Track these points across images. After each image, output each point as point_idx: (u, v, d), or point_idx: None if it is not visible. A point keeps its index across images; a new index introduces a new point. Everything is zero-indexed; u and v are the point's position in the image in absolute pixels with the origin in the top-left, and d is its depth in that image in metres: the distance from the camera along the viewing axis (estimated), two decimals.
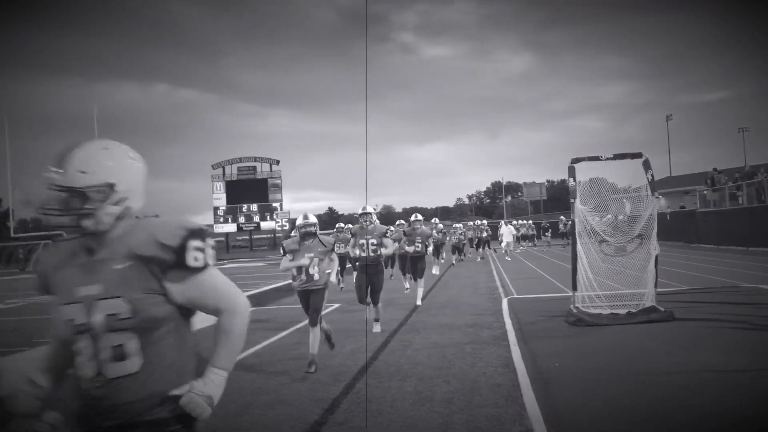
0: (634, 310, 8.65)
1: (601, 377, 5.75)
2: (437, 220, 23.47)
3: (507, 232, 26.78)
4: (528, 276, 17.31)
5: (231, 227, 50.12)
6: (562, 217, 35.73)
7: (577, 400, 5.06)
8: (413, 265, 12.26)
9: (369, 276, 8.85)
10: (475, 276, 18.39)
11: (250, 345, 8.01)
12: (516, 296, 12.32)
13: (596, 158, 9.07)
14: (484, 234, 27.50)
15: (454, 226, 26.05)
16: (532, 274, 18.10)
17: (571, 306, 8.98)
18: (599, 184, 9.51)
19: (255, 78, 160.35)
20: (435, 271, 19.09)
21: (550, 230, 35.93)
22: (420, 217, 12.71)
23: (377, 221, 9.67)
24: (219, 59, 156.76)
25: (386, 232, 9.06)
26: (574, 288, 9.04)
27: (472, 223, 30.26)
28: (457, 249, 24.81)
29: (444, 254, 22.63)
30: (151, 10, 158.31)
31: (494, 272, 19.18)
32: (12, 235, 50.82)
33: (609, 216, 9.52)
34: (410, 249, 12.16)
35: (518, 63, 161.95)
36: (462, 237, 25.16)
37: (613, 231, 9.22)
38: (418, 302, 11.60)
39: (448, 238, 24.27)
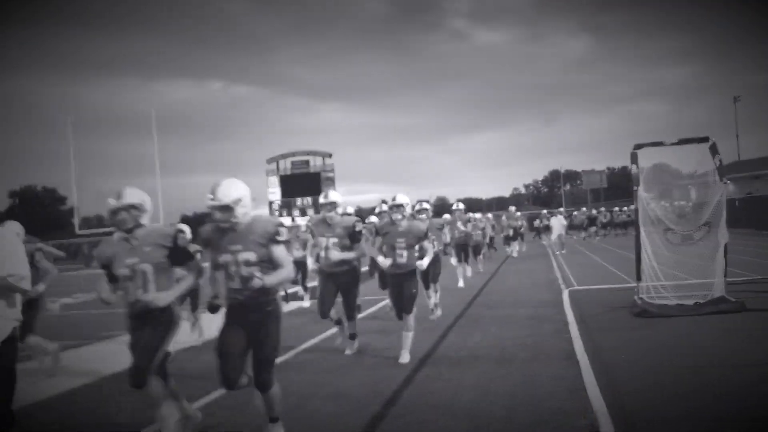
0: (702, 301, 8.34)
1: (667, 370, 5.55)
2: (461, 205, 14.76)
3: (557, 223, 24.59)
4: (589, 267, 16.92)
5: (286, 221, 50.93)
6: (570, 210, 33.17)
7: (643, 394, 4.89)
8: (395, 289, 6.85)
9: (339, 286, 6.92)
10: (533, 268, 18.10)
11: (308, 338, 8.09)
12: (577, 287, 12.04)
13: (659, 143, 8.79)
14: (519, 224, 24.19)
15: (473, 216, 17.96)
16: (594, 264, 17.68)
17: (636, 297, 8.73)
18: (663, 171, 9.21)
19: (307, 71, 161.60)
20: (461, 283, 13.72)
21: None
22: (403, 199, 6.91)
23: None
24: (271, 54, 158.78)
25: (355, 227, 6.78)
26: (639, 278, 8.78)
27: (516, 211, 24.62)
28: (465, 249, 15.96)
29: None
30: (204, 8, 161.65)
31: (554, 263, 18.85)
32: (77, 231, 52.95)
33: (676, 203, 9.18)
34: (386, 261, 6.71)
35: (576, 46, 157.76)
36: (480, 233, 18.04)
37: (679, 219, 8.90)
38: (402, 359, 6.55)
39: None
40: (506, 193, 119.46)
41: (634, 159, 8.80)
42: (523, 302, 10.55)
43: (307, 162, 50.09)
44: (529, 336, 7.52)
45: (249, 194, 4.10)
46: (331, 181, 49.03)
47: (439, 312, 9.29)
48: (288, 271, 4.24)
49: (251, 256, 4.09)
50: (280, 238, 4.20)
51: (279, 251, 4.19)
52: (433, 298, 9.48)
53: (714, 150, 8.58)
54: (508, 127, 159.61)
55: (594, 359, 6.04)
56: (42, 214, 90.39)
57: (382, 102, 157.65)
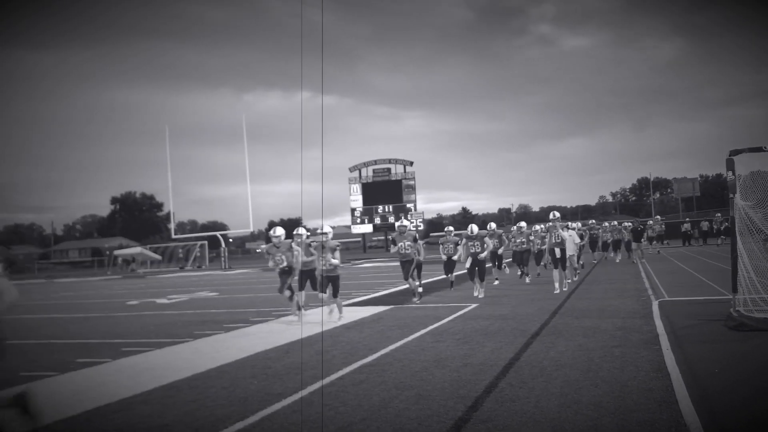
0: None
1: (767, 386, 5.28)
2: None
3: (569, 240, 16.66)
4: (680, 277, 16.22)
5: (367, 228, 51.55)
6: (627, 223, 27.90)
7: (739, 409, 4.68)
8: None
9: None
10: (619, 278, 17.54)
11: (390, 342, 8.19)
12: (667, 299, 11.59)
13: (759, 149, 8.35)
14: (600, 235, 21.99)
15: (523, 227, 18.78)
16: (685, 274, 16.94)
17: (732, 309, 8.32)
18: (762, 178, 8.74)
19: (390, 80, 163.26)
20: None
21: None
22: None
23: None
24: (356, 64, 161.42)
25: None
26: (735, 290, 8.37)
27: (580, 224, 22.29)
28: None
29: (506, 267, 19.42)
30: (293, 20, 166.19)
31: (642, 273, 18.19)
32: (173, 236, 55.58)
33: None
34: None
35: (668, 49, 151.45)
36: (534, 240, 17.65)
37: None
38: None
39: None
40: (592, 201, 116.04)
41: (730, 165, 8.42)
42: (610, 312, 10.26)
43: (388, 170, 50.49)
44: (617, 347, 7.32)
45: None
46: (412, 189, 49.22)
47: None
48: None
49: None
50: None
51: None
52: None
53: None
54: (594, 134, 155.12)
55: (686, 372, 5.82)
56: (141, 219, 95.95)
57: (465, 109, 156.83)
